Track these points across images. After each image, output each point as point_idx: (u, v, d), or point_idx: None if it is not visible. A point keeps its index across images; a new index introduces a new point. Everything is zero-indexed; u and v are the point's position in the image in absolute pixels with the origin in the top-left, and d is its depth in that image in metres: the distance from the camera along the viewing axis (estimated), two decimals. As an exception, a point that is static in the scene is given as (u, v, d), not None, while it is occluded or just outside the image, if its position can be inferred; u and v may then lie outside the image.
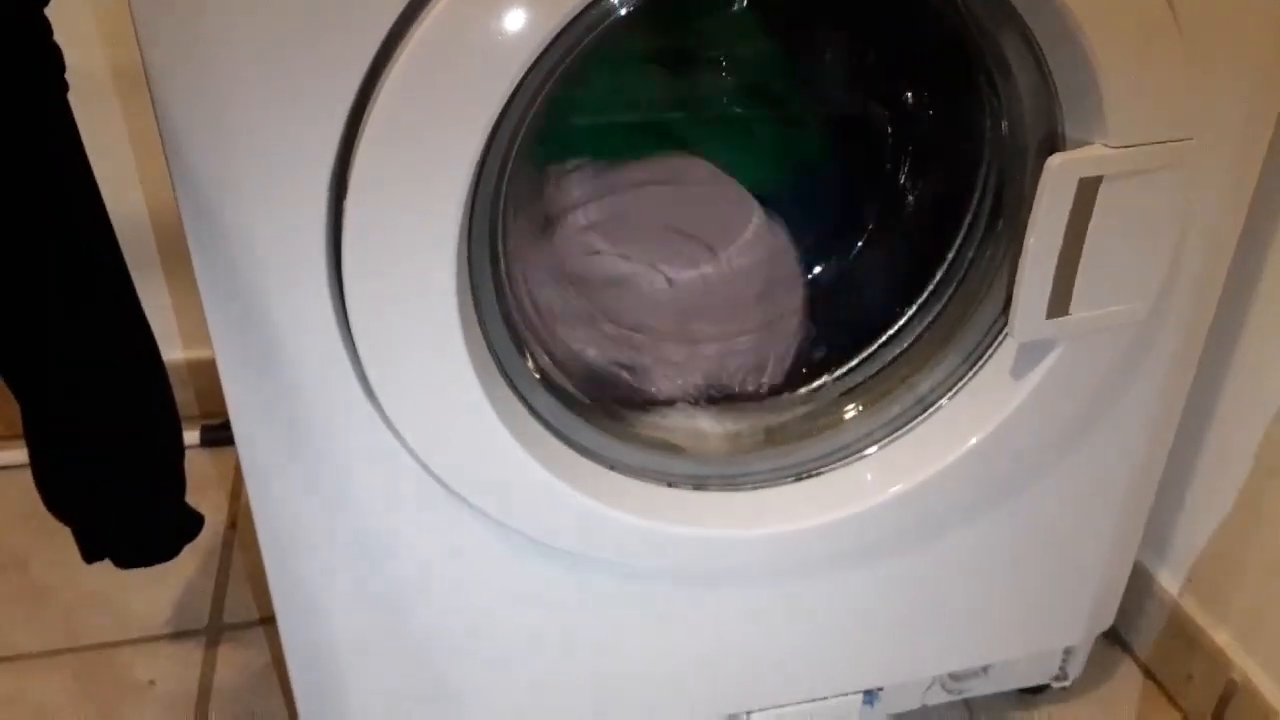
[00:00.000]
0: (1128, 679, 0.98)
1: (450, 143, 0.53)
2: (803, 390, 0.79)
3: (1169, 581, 0.96)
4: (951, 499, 0.73)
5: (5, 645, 1.01)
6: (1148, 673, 0.98)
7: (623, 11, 0.56)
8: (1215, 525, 0.90)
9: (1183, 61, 0.59)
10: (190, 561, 1.10)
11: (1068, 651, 0.94)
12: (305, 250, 0.57)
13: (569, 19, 0.51)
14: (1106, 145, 0.60)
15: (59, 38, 0.60)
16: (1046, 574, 0.84)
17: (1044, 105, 0.62)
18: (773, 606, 0.79)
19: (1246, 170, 0.68)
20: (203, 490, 1.20)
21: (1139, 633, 0.99)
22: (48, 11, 0.61)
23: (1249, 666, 0.87)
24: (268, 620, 1.04)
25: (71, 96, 0.63)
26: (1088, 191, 0.61)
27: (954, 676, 0.91)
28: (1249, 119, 0.65)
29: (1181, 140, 0.61)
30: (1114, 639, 1.01)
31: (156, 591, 1.07)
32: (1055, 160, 0.60)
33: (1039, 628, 0.89)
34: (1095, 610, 0.89)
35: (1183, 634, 0.93)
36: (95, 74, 1.09)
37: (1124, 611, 0.94)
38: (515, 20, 0.50)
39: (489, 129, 0.53)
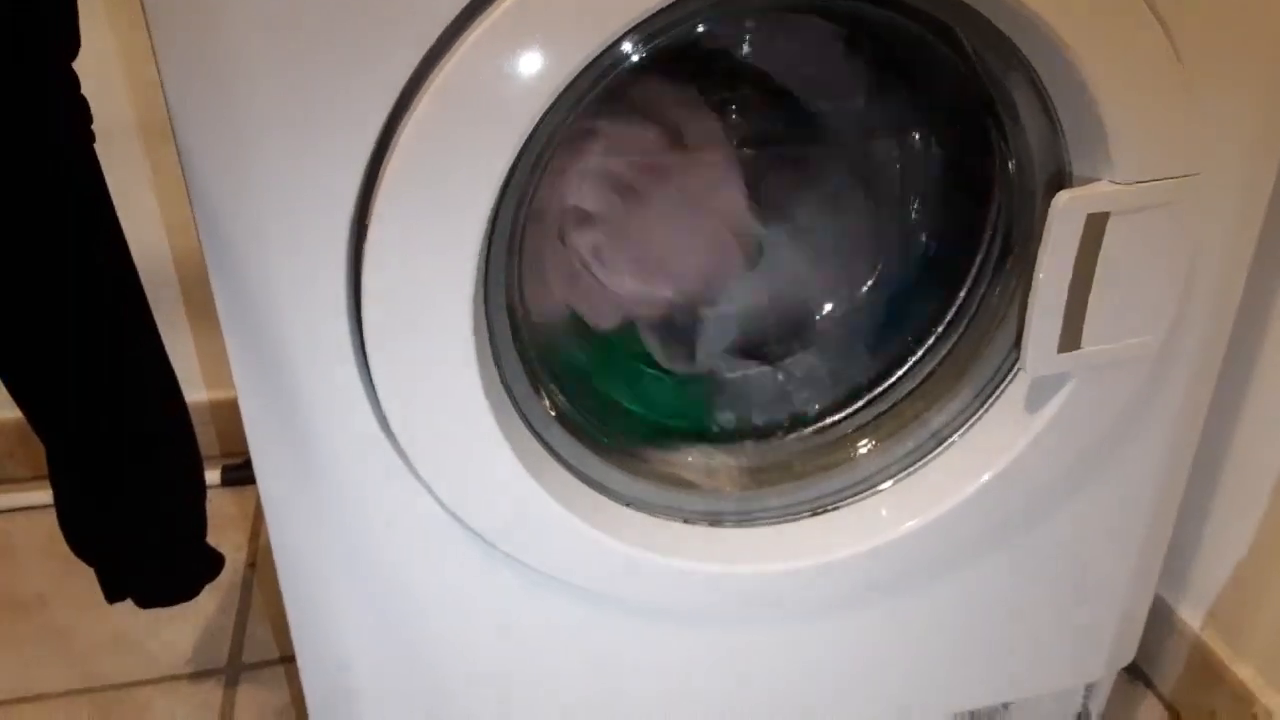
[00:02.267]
0: (1151, 716, 0.97)
1: (467, 186, 0.54)
2: (817, 426, 0.80)
3: (1190, 615, 0.95)
4: (967, 534, 0.73)
5: (26, 685, 1.02)
6: (1171, 709, 0.97)
7: (634, 59, 0.57)
8: (1235, 558, 0.89)
9: (1186, 99, 0.59)
10: (210, 601, 1.11)
11: (1089, 688, 0.93)
12: (326, 292, 0.58)
13: (582, 66, 0.52)
14: (1113, 182, 0.60)
15: (88, 89, 0.62)
16: (1065, 608, 0.84)
17: (1051, 144, 0.63)
18: (787, 643, 0.78)
19: (1254, 202, 0.69)
20: (223, 530, 1.20)
21: (1161, 668, 0.98)
22: (76, 65, 0.62)
23: (1273, 701, 0.86)
24: (287, 660, 1.04)
25: (99, 146, 0.64)
26: (1096, 227, 0.61)
27: (974, 715, 0.90)
28: (1254, 153, 0.65)
29: (1187, 176, 0.62)
30: (1136, 675, 1.00)
31: (176, 631, 1.07)
32: (1062, 197, 0.60)
33: (1060, 663, 0.88)
34: (1116, 645, 0.89)
35: (1206, 669, 0.92)
36: (122, 124, 1.11)
37: (1145, 646, 0.93)
38: (530, 67, 0.51)
39: (505, 172, 0.54)
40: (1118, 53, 0.57)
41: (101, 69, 1.08)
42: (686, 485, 0.75)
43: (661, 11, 0.52)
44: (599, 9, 0.51)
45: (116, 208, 0.66)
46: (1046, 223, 0.61)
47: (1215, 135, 0.63)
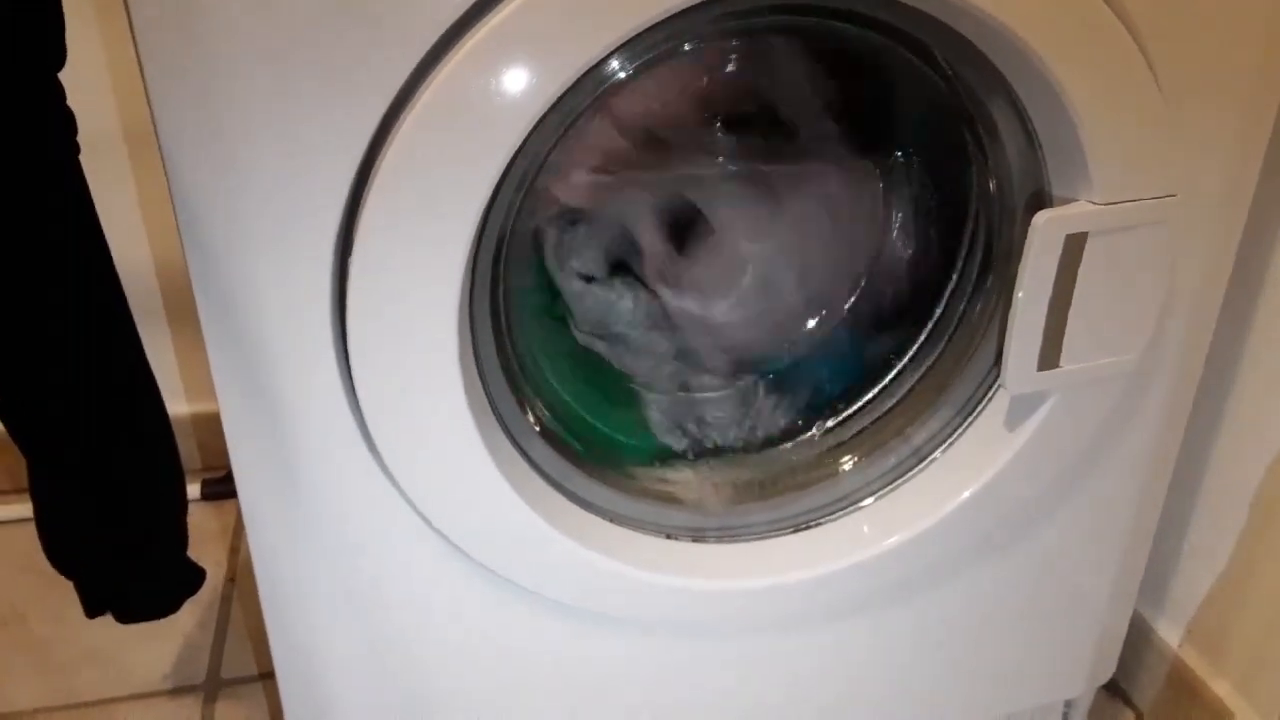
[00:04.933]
0: (1129, 732, 0.98)
1: (454, 201, 0.54)
2: (799, 441, 0.80)
3: (1168, 632, 0.95)
4: (948, 550, 0.74)
5: (3, 700, 1.01)
6: (1149, 726, 0.98)
7: (620, 76, 0.58)
8: (1212, 574, 0.90)
9: (1165, 121, 0.60)
10: (189, 616, 1.10)
11: (1069, 704, 0.94)
12: (310, 305, 0.58)
13: (570, 83, 0.53)
14: (1092, 202, 0.61)
15: (75, 99, 0.62)
16: (1045, 625, 0.84)
17: (1030, 164, 0.64)
18: (767, 658, 0.79)
19: (1231, 222, 0.70)
20: (202, 544, 1.19)
21: (1139, 685, 0.99)
22: (62, 76, 0.62)
23: (1250, 718, 0.87)
24: (266, 676, 1.03)
25: (83, 156, 0.64)
26: (1075, 246, 0.62)
27: (954, 730, 0.91)
28: (1231, 174, 0.67)
29: (1166, 197, 0.63)
30: (1115, 691, 1.00)
31: (155, 647, 1.07)
32: (1041, 217, 0.61)
33: (1039, 680, 0.88)
34: (1095, 662, 0.89)
35: (1183, 685, 0.93)
36: (107, 133, 1.11)
37: (1124, 663, 0.93)
38: (517, 84, 0.52)
39: (492, 187, 0.54)
40: (1097, 76, 0.58)
41: (89, 80, 1.08)
42: (670, 500, 0.75)
43: (646, 31, 0.52)
44: (585, 28, 0.51)
45: (101, 218, 0.66)
46: (1026, 242, 0.62)
47: (1193, 157, 0.64)
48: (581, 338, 0.80)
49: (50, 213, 0.64)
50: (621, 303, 0.80)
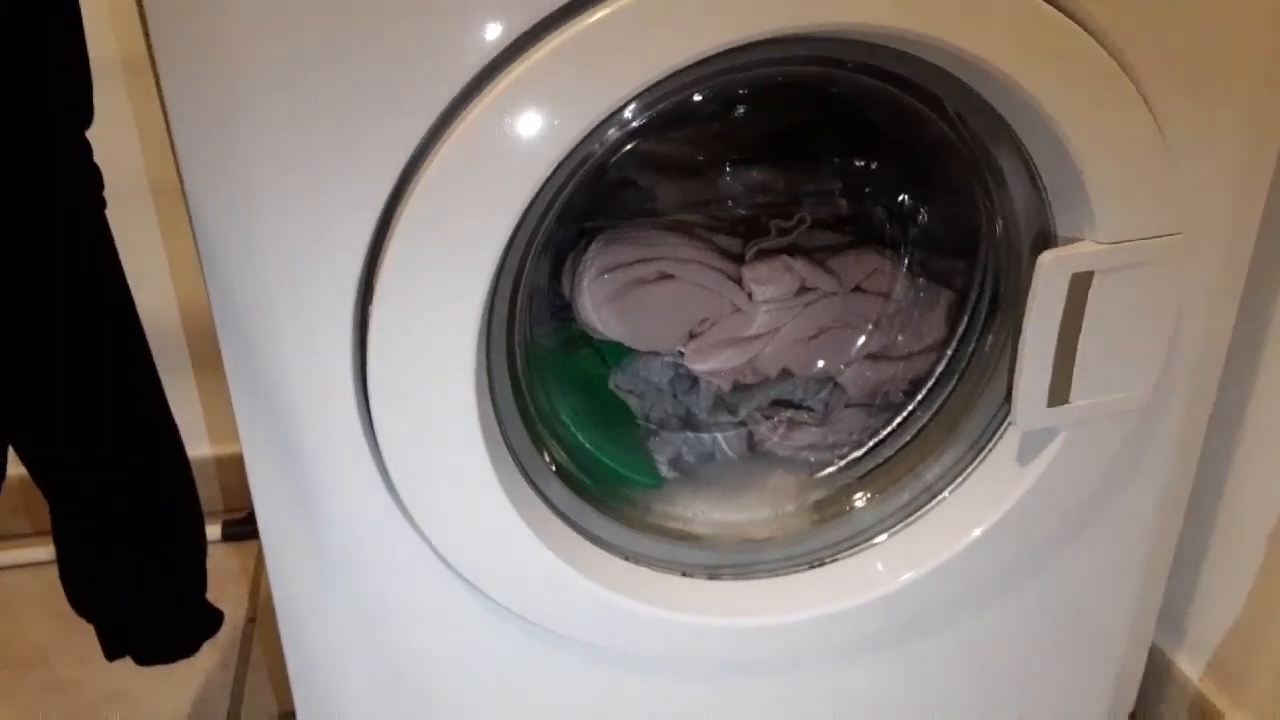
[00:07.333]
0: (1151, 767, 0.97)
1: (471, 249, 0.55)
2: (814, 479, 0.80)
3: (1188, 665, 0.95)
4: (962, 586, 0.74)
5: (27, 743, 1.01)
6: (1171, 760, 0.97)
7: (635, 124, 0.59)
8: (1232, 606, 0.89)
9: (1167, 162, 0.61)
10: (210, 656, 1.10)
11: (1089, 739, 0.93)
12: (331, 351, 0.59)
13: (586, 131, 0.54)
14: (1096, 241, 0.62)
15: (101, 153, 0.64)
16: (1063, 660, 0.84)
17: (1036, 205, 0.65)
18: (783, 694, 0.78)
19: (1237, 258, 0.70)
20: (223, 584, 1.20)
21: (1160, 718, 0.98)
22: (90, 133, 0.64)
23: (1272, 752, 0.86)
24: (287, 716, 1.03)
25: (111, 206, 0.66)
26: (1081, 285, 0.63)
27: (974, 767, 0.90)
28: (1235, 211, 0.67)
29: (1170, 235, 0.63)
30: (1136, 726, 1.00)
31: (177, 687, 1.07)
32: (1047, 257, 0.62)
33: (1058, 715, 0.88)
34: (1115, 695, 0.88)
35: (1204, 719, 0.92)
36: (135, 187, 1.13)
37: (1144, 696, 0.93)
38: (535, 132, 0.53)
39: (508, 236, 0.55)
40: (1098, 120, 0.58)
41: (117, 135, 1.10)
42: (685, 538, 0.75)
43: (659, 82, 0.54)
44: (600, 80, 0.53)
45: (128, 269, 0.67)
46: (1032, 281, 0.63)
47: (1197, 196, 0.65)
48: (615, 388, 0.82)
49: (75, 267, 0.65)
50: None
